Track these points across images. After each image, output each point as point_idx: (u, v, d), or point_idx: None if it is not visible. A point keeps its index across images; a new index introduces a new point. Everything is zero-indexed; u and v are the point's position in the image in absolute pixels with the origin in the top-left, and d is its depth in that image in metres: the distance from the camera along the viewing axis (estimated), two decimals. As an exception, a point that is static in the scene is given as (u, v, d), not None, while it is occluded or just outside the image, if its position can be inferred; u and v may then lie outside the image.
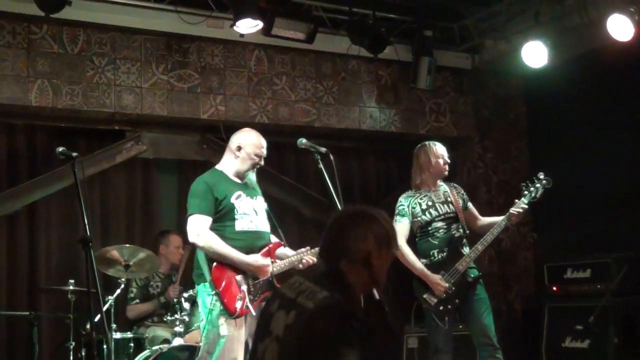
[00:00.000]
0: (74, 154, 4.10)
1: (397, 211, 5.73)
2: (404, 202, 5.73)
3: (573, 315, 6.35)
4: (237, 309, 4.68)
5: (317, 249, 4.99)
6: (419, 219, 5.64)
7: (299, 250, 5.02)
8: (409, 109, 7.99)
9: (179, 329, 5.82)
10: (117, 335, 5.86)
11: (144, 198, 7.18)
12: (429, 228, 5.63)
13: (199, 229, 4.73)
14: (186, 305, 5.88)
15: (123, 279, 5.91)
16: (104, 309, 5.64)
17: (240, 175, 5.03)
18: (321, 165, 4.43)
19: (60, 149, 4.15)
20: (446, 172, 5.74)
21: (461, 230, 5.63)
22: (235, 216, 4.84)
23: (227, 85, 7.12)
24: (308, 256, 4.98)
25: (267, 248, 4.96)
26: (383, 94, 7.87)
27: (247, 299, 4.72)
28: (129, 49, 6.74)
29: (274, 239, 5.11)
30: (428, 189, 5.73)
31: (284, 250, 5.08)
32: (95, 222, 6.84)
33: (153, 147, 7.07)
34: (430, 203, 5.66)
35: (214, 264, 4.73)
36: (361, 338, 2.61)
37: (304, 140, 4.59)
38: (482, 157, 8.32)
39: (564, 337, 6.49)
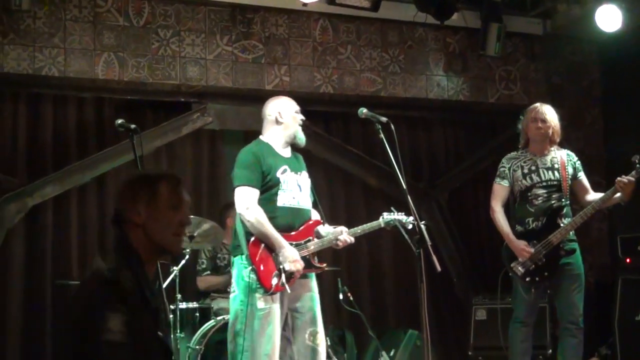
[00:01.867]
0: (132, 126, 4.10)
1: (498, 172, 5.58)
2: (506, 164, 5.56)
3: (647, 288, 6.15)
4: (273, 286, 4.62)
5: (355, 229, 4.94)
6: (520, 182, 5.46)
7: (336, 229, 4.93)
8: (477, 77, 7.78)
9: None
10: (183, 305, 5.90)
11: (210, 169, 7.20)
12: (529, 194, 5.43)
13: (249, 202, 4.66)
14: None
15: (188, 250, 5.94)
16: (169, 279, 5.69)
17: (292, 139, 4.95)
18: (382, 135, 4.30)
19: (119, 121, 4.17)
20: (541, 137, 5.49)
21: (562, 200, 5.42)
22: (279, 191, 4.77)
23: (291, 56, 7.05)
24: (344, 235, 4.89)
25: (306, 225, 4.88)
26: (451, 61, 7.68)
27: (283, 276, 4.65)
28: (193, 20, 6.73)
29: (315, 215, 5.03)
30: (534, 153, 5.55)
31: (323, 228, 4.99)
32: (162, 193, 6.91)
33: (219, 119, 7.06)
34: (533, 167, 5.46)
35: (252, 238, 4.67)
36: (125, 304, 2.58)
37: (364, 110, 4.46)
38: (554, 125, 8.05)
39: (638, 310, 6.29)
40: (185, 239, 5.83)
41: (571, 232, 5.40)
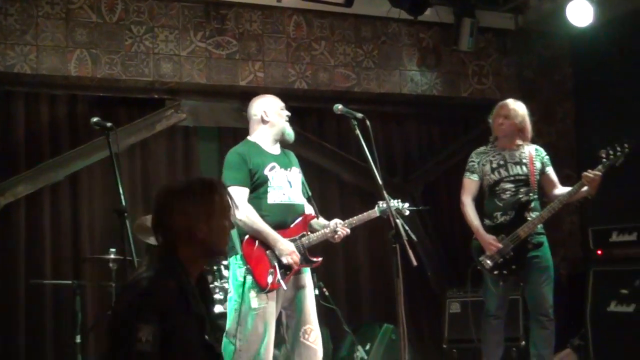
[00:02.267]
0: (108, 124, 4.11)
1: (467, 166, 5.69)
2: (475, 158, 5.66)
3: (618, 279, 6.25)
4: (269, 284, 4.64)
5: (350, 220, 4.95)
6: (488, 177, 5.55)
7: (332, 222, 4.94)
8: (450, 72, 7.85)
9: (218, 296, 5.84)
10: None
11: (185, 166, 7.18)
12: (497, 188, 5.53)
13: (238, 201, 4.65)
14: (226, 272, 5.88)
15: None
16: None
17: (280, 136, 4.99)
18: (358, 132, 4.34)
19: (95, 119, 4.17)
20: (502, 133, 5.59)
21: (530, 195, 5.50)
22: (269, 188, 4.79)
23: (265, 52, 7.06)
24: (341, 228, 4.90)
25: (299, 220, 4.90)
26: (424, 57, 7.74)
27: (278, 274, 4.68)
28: (166, 16, 6.72)
29: (309, 209, 5.06)
30: (503, 147, 5.61)
31: (318, 222, 5.02)
32: (136, 190, 6.90)
33: (192, 115, 7.06)
34: (502, 162, 5.56)
35: (246, 237, 4.69)
36: (160, 315, 2.67)
37: (339, 106, 4.50)
38: (526, 119, 8.14)
39: (609, 301, 6.39)
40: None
41: (539, 226, 5.48)
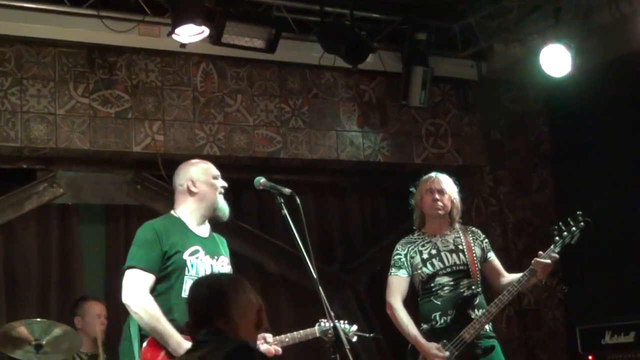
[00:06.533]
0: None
1: (392, 262, 5.72)
2: (401, 250, 5.70)
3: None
4: None
5: (282, 337, 5.00)
6: (419, 271, 5.60)
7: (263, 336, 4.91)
8: (400, 133, 8.00)
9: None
10: None
11: (62, 256, 7.11)
12: (432, 284, 5.57)
13: (137, 289, 4.60)
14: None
15: (34, 365, 5.83)
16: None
17: (211, 212, 4.97)
18: (285, 211, 4.36)
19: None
20: (439, 211, 5.66)
21: (473, 288, 5.57)
22: (185, 277, 4.72)
23: (166, 109, 7.10)
24: (272, 346, 4.88)
25: None
26: (366, 114, 7.88)
27: None
28: (38, 65, 6.72)
29: None
30: (433, 233, 5.70)
31: None
32: (-2, 287, 6.79)
33: (72, 190, 7.03)
34: (434, 252, 5.62)
35: (147, 339, 4.58)
36: None
37: (262, 180, 4.54)
38: (494, 190, 8.34)
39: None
40: (30, 349, 5.72)
41: (487, 327, 5.54)
